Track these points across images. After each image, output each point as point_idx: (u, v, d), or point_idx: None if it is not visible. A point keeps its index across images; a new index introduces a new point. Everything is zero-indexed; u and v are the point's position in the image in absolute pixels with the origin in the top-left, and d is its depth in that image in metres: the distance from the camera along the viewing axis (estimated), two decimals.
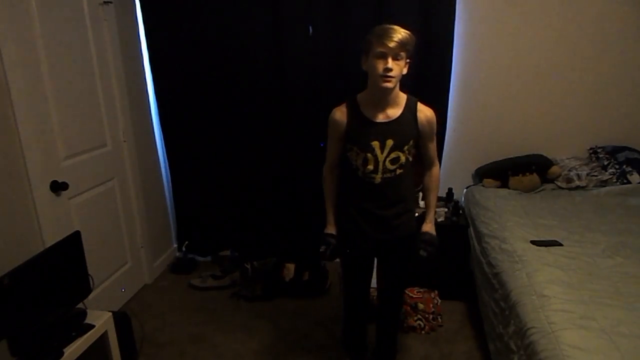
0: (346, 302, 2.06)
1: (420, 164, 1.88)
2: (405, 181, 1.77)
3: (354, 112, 1.72)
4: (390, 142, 1.66)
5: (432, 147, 1.82)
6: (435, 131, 1.79)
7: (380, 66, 1.57)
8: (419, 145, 1.80)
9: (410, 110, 1.71)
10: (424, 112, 1.73)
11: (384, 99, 1.67)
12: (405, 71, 1.64)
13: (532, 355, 1.53)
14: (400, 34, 1.55)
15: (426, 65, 2.80)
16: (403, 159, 1.71)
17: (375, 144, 1.67)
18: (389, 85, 1.60)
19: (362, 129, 1.69)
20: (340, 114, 1.74)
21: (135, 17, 2.93)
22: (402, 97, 1.71)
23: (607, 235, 2.22)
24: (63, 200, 2.31)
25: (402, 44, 1.55)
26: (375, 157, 1.68)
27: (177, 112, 3.11)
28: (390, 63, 1.56)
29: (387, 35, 1.55)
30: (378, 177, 1.71)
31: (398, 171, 1.72)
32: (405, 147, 1.70)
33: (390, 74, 1.57)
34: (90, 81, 2.53)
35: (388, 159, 1.68)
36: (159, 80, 3.08)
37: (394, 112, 1.69)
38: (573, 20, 2.80)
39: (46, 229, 2.16)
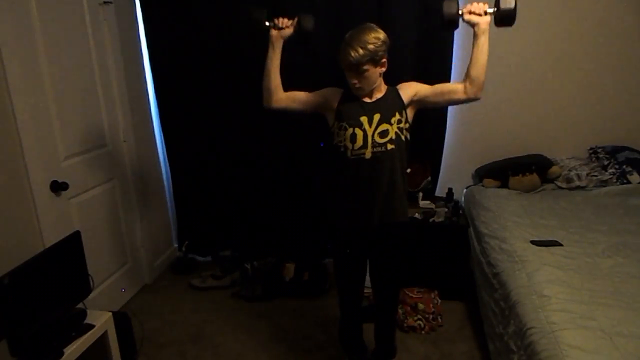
0: (340, 302, 2.06)
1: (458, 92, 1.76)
2: (396, 163, 1.76)
3: (347, 94, 1.80)
4: (377, 116, 1.73)
5: (437, 85, 1.81)
6: (422, 84, 1.81)
7: (348, 79, 1.71)
8: (432, 97, 1.79)
9: (392, 91, 1.80)
10: (401, 85, 1.82)
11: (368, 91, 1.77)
12: (383, 70, 1.71)
13: (532, 355, 1.53)
14: (353, 55, 1.60)
15: (426, 65, 2.80)
16: (392, 132, 1.72)
17: (364, 118, 1.73)
18: (359, 92, 1.73)
19: (352, 105, 1.77)
20: (338, 89, 1.84)
21: (135, 17, 2.93)
22: (385, 87, 1.80)
23: (607, 235, 2.21)
24: (63, 200, 2.31)
25: (359, 63, 1.62)
26: (364, 131, 1.72)
27: (177, 112, 3.11)
28: (355, 78, 1.67)
29: (342, 57, 1.65)
30: (368, 152, 1.73)
31: (389, 146, 1.72)
32: (393, 119, 1.72)
33: (357, 86, 1.69)
34: (90, 81, 2.53)
35: (377, 132, 1.72)
36: (159, 80, 3.08)
37: (379, 95, 1.78)
38: (573, 21, 2.81)
39: (46, 229, 2.15)
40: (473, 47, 1.70)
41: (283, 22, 1.77)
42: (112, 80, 2.70)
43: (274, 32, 1.78)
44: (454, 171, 3.11)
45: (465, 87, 1.73)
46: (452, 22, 1.70)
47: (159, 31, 2.96)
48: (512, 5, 1.63)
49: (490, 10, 1.67)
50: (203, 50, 2.93)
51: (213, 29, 2.89)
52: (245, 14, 2.77)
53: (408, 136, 1.79)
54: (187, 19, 2.89)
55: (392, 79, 1.82)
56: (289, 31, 1.78)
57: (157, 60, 3.03)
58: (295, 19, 1.78)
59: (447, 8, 1.68)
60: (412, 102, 1.79)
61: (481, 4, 1.67)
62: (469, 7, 1.67)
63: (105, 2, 2.59)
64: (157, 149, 3.24)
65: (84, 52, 2.47)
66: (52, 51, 2.21)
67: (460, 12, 1.68)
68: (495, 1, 1.66)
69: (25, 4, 2.07)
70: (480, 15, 1.66)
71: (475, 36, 1.70)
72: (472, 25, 1.69)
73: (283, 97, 1.84)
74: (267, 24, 1.77)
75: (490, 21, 1.68)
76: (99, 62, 2.58)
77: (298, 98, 1.85)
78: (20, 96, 2.01)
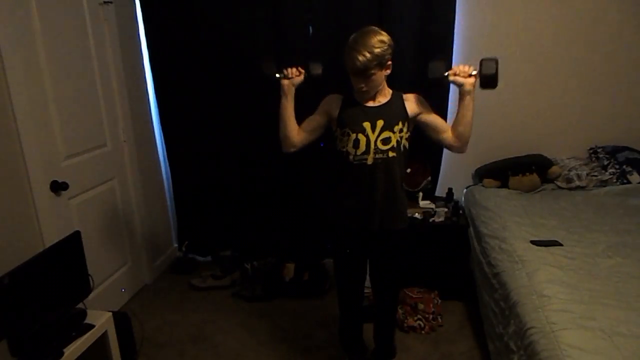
0: (340, 302, 2.07)
1: (446, 141, 1.82)
2: (397, 170, 1.79)
3: (348, 99, 1.82)
4: (380, 123, 1.74)
5: (437, 117, 1.83)
6: (427, 105, 1.83)
7: (354, 83, 1.72)
8: (426, 127, 1.82)
9: (397, 98, 1.81)
10: (408, 95, 1.83)
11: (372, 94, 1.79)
12: (388, 72, 1.73)
13: (532, 355, 1.53)
14: (360, 60, 1.61)
15: (426, 65, 2.79)
16: (394, 140, 1.75)
17: (367, 124, 1.75)
18: (365, 96, 1.76)
19: (354, 111, 1.79)
20: (337, 96, 1.86)
21: (135, 17, 2.93)
22: (389, 91, 1.82)
23: (607, 235, 2.21)
24: (63, 200, 2.31)
25: (366, 68, 1.63)
26: (367, 137, 1.74)
27: (177, 112, 3.11)
28: (361, 82, 1.69)
29: (349, 62, 1.65)
30: (370, 158, 1.75)
31: (390, 154, 1.75)
32: (396, 128, 1.74)
33: (364, 89, 1.71)
34: (90, 81, 2.53)
35: (379, 139, 1.74)
36: (159, 80, 3.08)
37: (383, 99, 1.80)
38: (573, 20, 2.81)
39: (46, 229, 2.15)
40: (459, 107, 1.77)
41: (292, 72, 1.81)
42: (112, 80, 2.70)
43: (285, 82, 1.82)
44: (454, 171, 3.11)
45: (453, 138, 1.80)
46: (439, 83, 1.80)
47: (159, 31, 2.96)
48: (493, 70, 1.70)
49: (474, 73, 1.73)
50: (203, 50, 2.93)
51: (213, 29, 2.88)
52: (245, 14, 2.81)
53: (407, 145, 1.82)
54: (187, 19, 2.89)
55: (392, 79, 1.82)
56: (299, 79, 1.83)
57: (157, 60, 3.03)
58: (301, 68, 1.83)
59: (433, 70, 1.77)
60: (414, 119, 1.82)
61: (466, 67, 1.73)
62: (454, 69, 1.74)
63: (105, 2, 2.59)
64: (157, 149, 3.24)
65: (84, 52, 2.47)
66: (52, 51, 2.21)
67: (446, 74, 1.75)
68: (479, 66, 1.72)
69: (26, 4, 2.07)
70: (465, 77, 1.72)
71: (460, 97, 1.76)
72: (458, 86, 1.74)
73: (300, 139, 1.88)
74: (277, 75, 1.83)
75: (475, 83, 1.73)
76: (99, 62, 2.58)
77: (310, 128, 1.88)
78: (20, 96, 2.01)
